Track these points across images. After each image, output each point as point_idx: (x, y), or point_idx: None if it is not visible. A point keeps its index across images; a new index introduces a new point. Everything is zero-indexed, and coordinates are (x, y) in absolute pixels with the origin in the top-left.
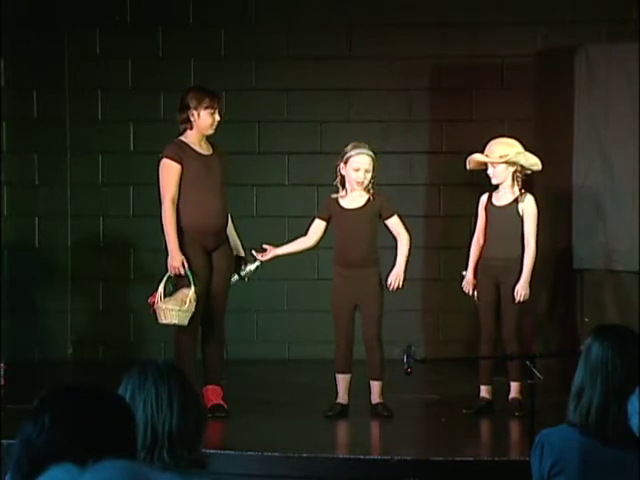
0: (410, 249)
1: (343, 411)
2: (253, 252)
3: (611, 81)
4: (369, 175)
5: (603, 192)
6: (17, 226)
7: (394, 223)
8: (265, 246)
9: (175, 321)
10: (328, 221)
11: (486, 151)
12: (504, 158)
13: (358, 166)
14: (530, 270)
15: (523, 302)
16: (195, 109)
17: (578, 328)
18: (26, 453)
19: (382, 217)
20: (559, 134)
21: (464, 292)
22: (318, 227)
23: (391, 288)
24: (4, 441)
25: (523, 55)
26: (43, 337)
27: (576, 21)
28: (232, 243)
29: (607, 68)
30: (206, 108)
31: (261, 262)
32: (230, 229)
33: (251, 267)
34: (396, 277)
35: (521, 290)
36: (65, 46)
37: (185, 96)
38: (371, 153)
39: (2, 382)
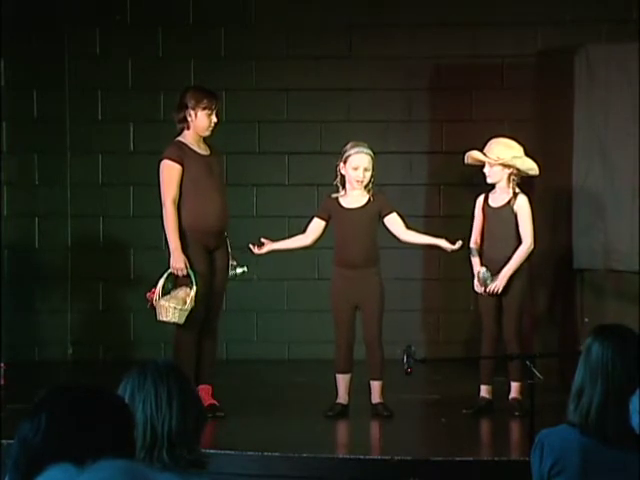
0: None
1: (343, 411)
2: (250, 246)
3: (611, 81)
4: (368, 174)
5: (603, 192)
6: (17, 226)
7: (393, 219)
8: (263, 240)
9: (175, 319)
10: (327, 221)
11: (485, 149)
12: (500, 160)
13: (357, 164)
14: (516, 265)
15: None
16: (193, 109)
17: (578, 328)
18: (23, 453)
19: (381, 215)
20: (559, 134)
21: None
22: (317, 226)
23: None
24: (4, 441)
25: (523, 55)
26: (43, 337)
27: (576, 21)
28: None
29: (607, 68)
30: (204, 109)
31: (247, 267)
32: None
33: (238, 270)
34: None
35: (498, 282)
36: (65, 46)
37: (183, 95)
38: (370, 152)
39: (2, 382)
